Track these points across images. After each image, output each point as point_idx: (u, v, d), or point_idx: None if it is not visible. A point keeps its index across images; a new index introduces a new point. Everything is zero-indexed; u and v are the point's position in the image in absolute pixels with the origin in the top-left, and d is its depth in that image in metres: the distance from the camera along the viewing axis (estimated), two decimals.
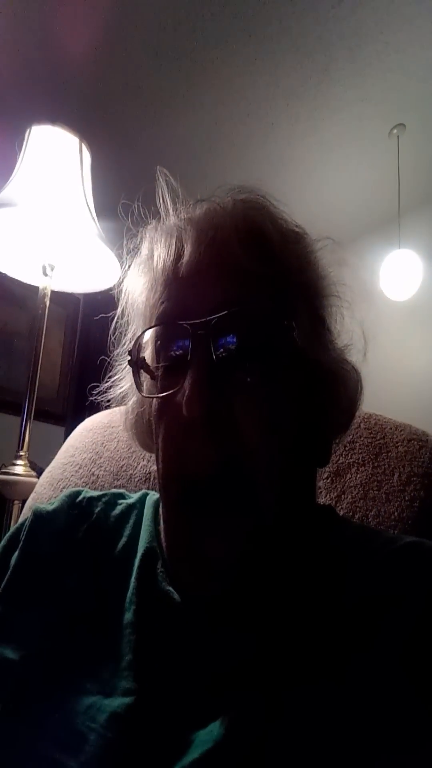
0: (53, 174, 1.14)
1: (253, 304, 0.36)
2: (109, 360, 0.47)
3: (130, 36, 1.93)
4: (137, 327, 0.44)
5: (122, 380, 0.48)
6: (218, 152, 2.49)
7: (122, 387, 0.48)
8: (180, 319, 0.37)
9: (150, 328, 0.40)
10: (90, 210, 1.17)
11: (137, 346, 0.40)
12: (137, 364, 0.40)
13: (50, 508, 0.46)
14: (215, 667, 0.35)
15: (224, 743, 0.30)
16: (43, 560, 0.42)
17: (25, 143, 1.17)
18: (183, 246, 0.38)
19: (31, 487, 1.08)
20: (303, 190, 2.67)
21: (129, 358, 0.41)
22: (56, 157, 1.16)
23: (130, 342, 0.42)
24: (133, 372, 0.40)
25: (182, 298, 0.38)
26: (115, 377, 0.48)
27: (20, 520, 0.65)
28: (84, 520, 0.45)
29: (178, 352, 0.37)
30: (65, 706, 0.34)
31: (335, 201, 2.76)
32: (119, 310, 0.45)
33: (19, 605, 0.40)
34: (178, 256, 0.38)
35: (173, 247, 0.39)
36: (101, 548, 0.43)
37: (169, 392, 0.36)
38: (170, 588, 0.38)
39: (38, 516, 0.45)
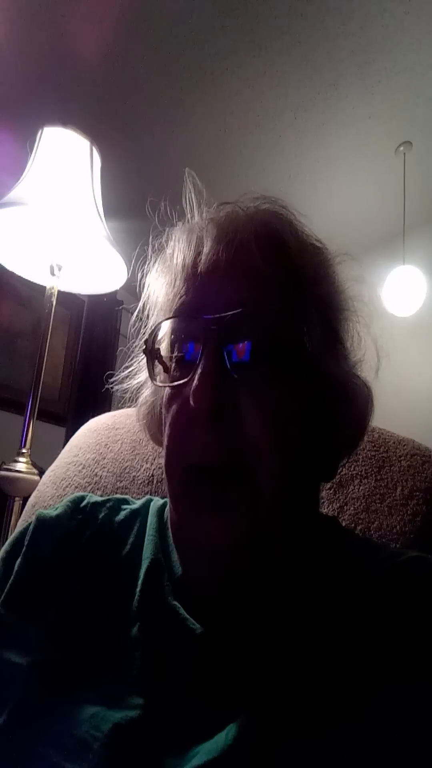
0: (64, 175, 1.15)
1: (267, 306, 0.37)
2: (126, 350, 0.49)
3: (142, 44, 1.96)
4: (155, 319, 0.45)
5: (139, 372, 0.48)
6: (226, 161, 2.51)
7: (138, 378, 0.48)
8: (195, 314, 0.38)
9: (166, 319, 0.41)
10: (99, 212, 1.18)
11: (153, 336, 0.41)
12: (152, 353, 0.41)
13: (54, 513, 0.45)
14: (222, 681, 0.34)
15: (231, 752, 0.30)
16: (47, 566, 0.42)
17: (36, 144, 1.18)
18: (203, 243, 0.39)
19: (32, 484, 1.09)
20: (308, 203, 2.65)
21: (144, 347, 0.41)
22: (67, 159, 1.16)
23: (144, 329, 0.43)
24: (147, 360, 0.41)
25: (199, 293, 0.39)
26: (131, 368, 0.48)
27: (22, 520, 0.65)
28: (88, 525, 0.45)
29: (191, 345, 0.38)
30: (69, 713, 0.34)
31: (340, 216, 2.78)
32: (140, 303, 0.46)
33: (22, 611, 0.40)
34: (198, 252, 0.39)
35: (194, 243, 0.40)
36: (105, 554, 0.43)
37: (180, 382, 0.37)
38: (176, 603, 0.38)
39: (42, 521, 0.45)
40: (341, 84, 2.07)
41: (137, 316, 0.46)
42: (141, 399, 0.48)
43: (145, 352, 0.41)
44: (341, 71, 2.02)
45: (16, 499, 1.14)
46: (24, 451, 1.16)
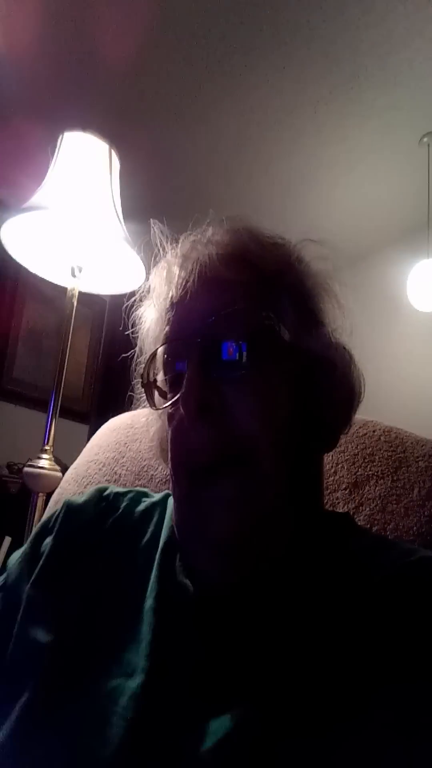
0: (83, 179, 1.17)
1: (237, 308, 0.40)
2: (132, 393, 0.53)
3: (162, 44, 1.96)
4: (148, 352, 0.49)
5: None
6: (246, 159, 2.50)
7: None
8: (179, 336, 0.42)
9: (156, 349, 0.45)
10: (118, 214, 1.20)
11: (147, 369, 0.45)
12: (148, 384, 0.45)
13: (80, 500, 0.49)
14: (226, 658, 0.36)
15: (232, 735, 0.31)
16: (74, 547, 0.45)
17: (57, 149, 1.21)
18: (173, 274, 0.44)
19: (55, 480, 1.12)
20: (331, 197, 2.66)
21: (141, 380, 0.46)
22: (87, 163, 1.19)
23: (141, 366, 0.47)
24: (145, 390, 0.45)
25: (178, 318, 0.43)
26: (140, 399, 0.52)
27: (47, 512, 0.67)
28: (111, 512, 0.48)
29: (179, 364, 0.42)
30: (89, 687, 0.36)
31: (363, 209, 2.74)
32: (139, 342, 0.51)
33: (51, 589, 0.43)
34: (170, 283, 0.44)
35: (164, 277, 0.45)
36: (126, 540, 0.46)
37: (174, 399, 0.41)
38: (187, 581, 0.41)
39: (70, 507, 0.48)
40: (362, 76, 2.04)
41: (136, 355, 0.50)
42: (149, 422, 0.52)
43: (142, 384, 0.45)
44: (362, 63, 1.98)
45: (40, 494, 1.18)
46: (47, 447, 1.20)
